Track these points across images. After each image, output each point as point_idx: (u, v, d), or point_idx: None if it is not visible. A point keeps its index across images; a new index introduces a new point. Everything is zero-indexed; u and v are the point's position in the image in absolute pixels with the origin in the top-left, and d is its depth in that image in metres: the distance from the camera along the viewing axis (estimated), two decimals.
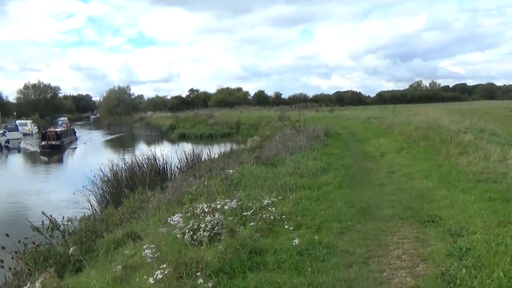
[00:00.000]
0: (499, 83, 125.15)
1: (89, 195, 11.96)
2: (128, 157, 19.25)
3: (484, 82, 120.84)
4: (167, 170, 15.66)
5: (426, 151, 12.48)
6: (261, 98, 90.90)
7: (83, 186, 12.19)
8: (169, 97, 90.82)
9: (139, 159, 15.51)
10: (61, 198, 13.45)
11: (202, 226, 6.71)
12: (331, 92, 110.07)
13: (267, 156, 12.53)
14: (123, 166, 14.66)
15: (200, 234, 6.58)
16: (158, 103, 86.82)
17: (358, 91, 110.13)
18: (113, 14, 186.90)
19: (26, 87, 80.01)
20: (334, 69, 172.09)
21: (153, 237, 7.19)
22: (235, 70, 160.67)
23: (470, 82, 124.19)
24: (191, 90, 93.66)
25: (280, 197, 8.41)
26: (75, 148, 39.15)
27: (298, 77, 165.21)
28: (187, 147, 35.15)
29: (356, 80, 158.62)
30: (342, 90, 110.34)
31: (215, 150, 23.49)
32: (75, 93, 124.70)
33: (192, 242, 6.47)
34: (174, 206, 8.43)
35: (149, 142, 43.85)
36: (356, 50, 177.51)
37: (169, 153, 18.21)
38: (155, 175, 14.26)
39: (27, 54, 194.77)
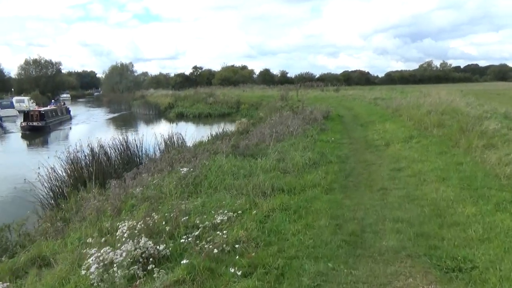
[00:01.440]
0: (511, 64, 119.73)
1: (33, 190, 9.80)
2: (110, 140, 17.12)
3: (496, 63, 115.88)
4: (140, 158, 13.46)
5: (441, 141, 10.10)
6: (266, 77, 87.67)
7: (25, 180, 10.01)
8: (172, 75, 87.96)
9: (108, 144, 13.32)
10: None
11: (117, 257, 4.58)
12: (338, 71, 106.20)
13: (247, 145, 10.25)
14: (87, 152, 12.45)
15: (112, 271, 4.46)
16: (161, 81, 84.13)
17: (366, 71, 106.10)
18: None
19: (27, 62, 77.50)
20: (343, 48, 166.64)
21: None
22: (242, 48, 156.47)
23: (482, 63, 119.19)
24: (195, 68, 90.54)
25: (246, 207, 6.22)
26: (65, 129, 36.78)
27: (306, 56, 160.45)
28: (179, 128, 33.03)
29: (365, 60, 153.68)
30: (350, 70, 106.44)
31: (207, 132, 21.26)
32: (81, 70, 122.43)
33: (99, 284, 4.36)
34: (103, 218, 6.26)
35: (146, 121, 41.77)
36: (366, 29, 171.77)
37: (155, 135, 15.99)
38: (122, 165, 12.12)
39: (33, 30, 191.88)
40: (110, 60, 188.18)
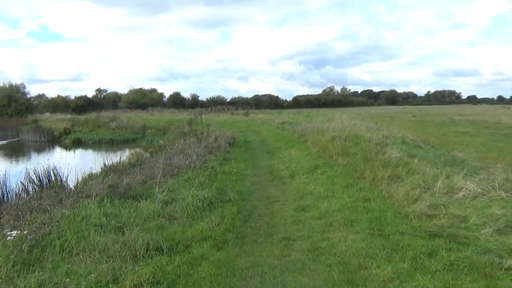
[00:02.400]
0: (399, 90, 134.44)
1: None
2: None
3: (387, 89, 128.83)
4: None
5: (346, 172, 9.38)
6: (177, 100, 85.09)
7: None
8: (73, 97, 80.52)
9: None
10: None
11: None
12: (250, 95, 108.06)
13: (129, 183, 8.37)
14: None
15: None
16: (60, 104, 76.24)
17: (275, 95, 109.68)
18: (11, 4, 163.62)
19: None
20: (253, 73, 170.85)
21: None
22: (151, 71, 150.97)
23: (376, 89, 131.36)
24: (98, 90, 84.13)
25: (108, 279, 4.46)
26: None
27: (217, 79, 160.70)
28: (71, 156, 29.26)
29: (274, 85, 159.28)
30: (260, 94, 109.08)
31: (103, 162, 18.53)
32: None
33: None
34: None
35: (34, 150, 36.57)
36: (273, 56, 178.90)
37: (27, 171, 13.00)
38: None
39: None
40: (0, 81, 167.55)
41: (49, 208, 6.90)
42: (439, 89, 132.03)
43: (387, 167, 8.61)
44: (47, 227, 6.03)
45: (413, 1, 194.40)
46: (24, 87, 71.00)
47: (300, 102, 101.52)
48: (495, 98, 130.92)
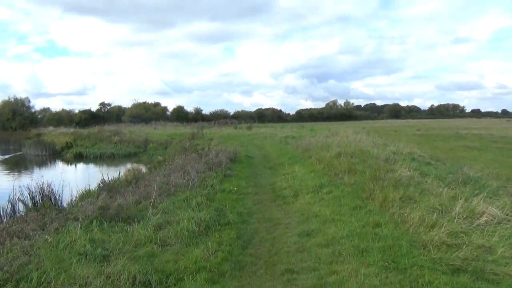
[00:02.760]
0: (402, 103, 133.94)
1: None
2: None
3: (390, 102, 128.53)
4: None
5: (354, 192, 8.73)
6: (180, 114, 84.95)
7: None
8: (77, 111, 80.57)
9: None
10: None
11: None
12: (253, 109, 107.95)
13: (121, 204, 7.78)
14: None
15: None
16: (63, 118, 76.29)
17: (278, 109, 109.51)
18: (19, 20, 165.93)
19: None
20: (256, 87, 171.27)
21: None
22: (156, 85, 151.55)
23: (379, 103, 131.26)
24: (102, 104, 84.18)
25: None
26: None
27: (221, 93, 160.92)
28: (71, 172, 28.76)
29: (277, 98, 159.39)
30: (263, 108, 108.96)
31: (104, 177, 17.94)
32: None
33: None
34: None
35: (36, 164, 36.16)
36: (277, 70, 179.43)
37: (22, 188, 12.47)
38: None
39: None
40: (5, 94, 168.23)
41: (31, 234, 6.31)
42: (442, 102, 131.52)
43: (398, 187, 7.98)
44: (26, 257, 5.44)
45: (415, 16, 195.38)
46: (29, 101, 71.14)
47: (303, 116, 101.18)
48: (499, 111, 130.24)
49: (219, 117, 79.34)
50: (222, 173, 13.09)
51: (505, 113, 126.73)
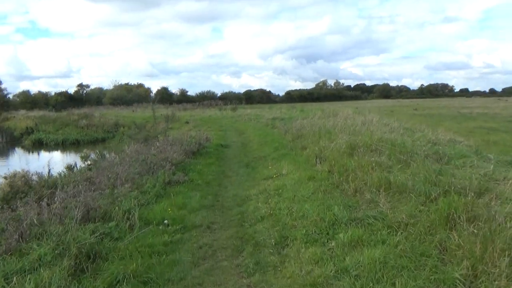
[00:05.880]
0: (392, 84, 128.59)
1: None
2: None
3: (379, 82, 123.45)
4: None
5: (417, 239, 3.60)
6: (164, 96, 78.45)
7: None
8: (53, 94, 73.65)
9: None
10: None
11: None
12: (242, 90, 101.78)
13: None
14: None
15: None
16: (39, 101, 69.62)
17: (267, 90, 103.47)
18: None
19: None
20: (245, 68, 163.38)
21: None
22: (143, 67, 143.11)
23: (368, 83, 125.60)
24: (80, 86, 77.09)
25: None
26: None
27: (209, 75, 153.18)
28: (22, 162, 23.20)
29: (266, 80, 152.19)
30: (252, 89, 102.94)
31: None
32: None
33: None
34: None
35: None
36: (265, 50, 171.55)
37: None
38: None
39: None
40: None
41: None
42: (431, 82, 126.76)
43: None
44: None
45: None
46: (1, 82, 64.29)
47: (292, 97, 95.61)
48: (487, 91, 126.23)
49: (205, 99, 73.63)
50: (167, 178, 7.88)
51: (492, 92, 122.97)
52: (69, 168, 10.11)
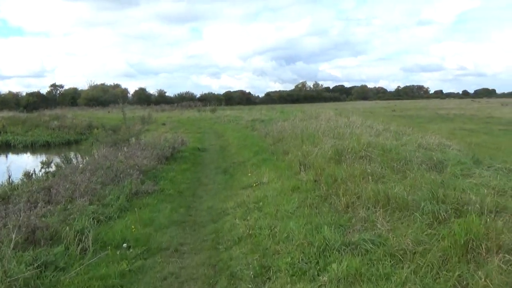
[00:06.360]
0: (369, 85, 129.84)
1: None
2: None
3: (357, 84, 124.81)
4: None
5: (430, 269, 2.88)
6: (142, 96, 76.49)
7: None
8: (24, 94, 70.44)
9: None
10: None
11: None
12: (222, 91, 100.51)
13: None
14: None
15: None
16: (9, 101, 66.45)
17: (247, 91, 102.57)
18: None
19: None
20: (224, 69, 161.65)
21: None
22: (120, 67, 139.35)
23: (346, 84, 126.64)
24: (54, 86, 73.93)
25: None
26: None
27: (188, 76, 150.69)
28: None
29: (246, 81, 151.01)
30: (232, 90, 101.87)
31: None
32: None
33: None
34: None
35: None
36: (245, 51, 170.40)
37: None
38: None
39: None
40: None
41: None
42: (407, 84, 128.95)
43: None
44: None
45: None
46: None
47: (272, 98, 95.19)
48: (460, 92, 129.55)
49: (184, 100, 72.24)
50: (134, 188, 6.96)
51: (465, 93, 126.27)
52: (27, 175, 9.03)
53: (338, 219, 4.41)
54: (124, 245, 4.57)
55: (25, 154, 26.55)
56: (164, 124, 28.62)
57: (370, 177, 5.15)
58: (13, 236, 4.07)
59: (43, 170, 9.75)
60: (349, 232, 4.06)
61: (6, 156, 25.81)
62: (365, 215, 4.25)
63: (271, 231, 4.54)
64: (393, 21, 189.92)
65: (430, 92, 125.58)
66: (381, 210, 4.17)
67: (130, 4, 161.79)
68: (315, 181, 6.16)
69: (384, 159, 6.18)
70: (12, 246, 4.00)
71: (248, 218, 5.24)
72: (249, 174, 8.40)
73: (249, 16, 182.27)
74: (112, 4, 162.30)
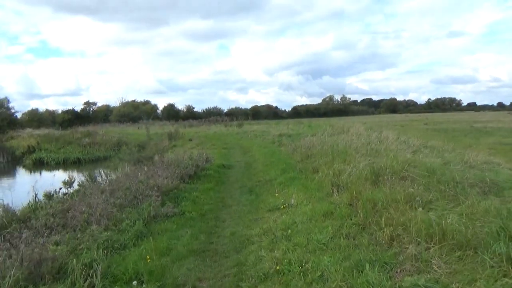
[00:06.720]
0: (398, 98, 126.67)
1: None
2: None
3: (385, 97, 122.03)
4: None
5: None
6: (171, 112, 77.84)
7: None
8: (60, 112, 73.21)
9: None
10: None
11: None
12: (248, 106, 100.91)
13: None
14: None
15: None
16: (46, 119, 69.26)
17: (274, 106, 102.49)
18: (10, 20, 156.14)
19: None
20: (251, 84, 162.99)
21: None
22: (150, 84, 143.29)
23: (374, 98, 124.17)
24: (87, 103, 76.76)
25: None
26: None
27: (216, 91, 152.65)
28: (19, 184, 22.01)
29: (272, 95, 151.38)
30: (259, 105, 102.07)
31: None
32: None
33: None
34: None
35: None
36: (271, 66, 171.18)
37: None
38: None
39: None
40: None
41: None
42: (438, 96, 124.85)
43: None
44: None
45: (409, 11, 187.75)
46: (9, 101, 63.93)
47: (299, 112, 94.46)
48: (495, 104, 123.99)
49: (211, 115, 72.78)
50: (150, 212, 6.48)
51: (501, 106, 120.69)
52: (48, 196, 8.80)
53: (382, 256, 3.70)
54: (134, 282, 4.04)
55: (56, 171, 27.07)
56: (190, 139, 28.49)
57: (416, 204, 4.41)
58: (12, 272, 3.63)
59: (63, 190, 9.50)
60: (397, 273, 3.35)
61: (40, 173, 26.44)
62: (416, 252, 3.52)
63: (301, 267, 3.89)
64: (423, 33, 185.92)
65: (463, 105, 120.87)
66: (435, 246, 3.44)
67: (160, 23, 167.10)
68: (350, 205, 5.46)
69: (430, 181, 5.40)
70: (10, 283, 3.55)
71: (275, 249, 4.60)
72: (276, 195, 7.79)
73: (275, 32, 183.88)
74: (143, 24, 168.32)
